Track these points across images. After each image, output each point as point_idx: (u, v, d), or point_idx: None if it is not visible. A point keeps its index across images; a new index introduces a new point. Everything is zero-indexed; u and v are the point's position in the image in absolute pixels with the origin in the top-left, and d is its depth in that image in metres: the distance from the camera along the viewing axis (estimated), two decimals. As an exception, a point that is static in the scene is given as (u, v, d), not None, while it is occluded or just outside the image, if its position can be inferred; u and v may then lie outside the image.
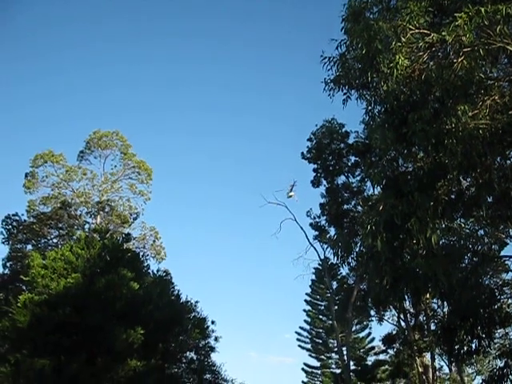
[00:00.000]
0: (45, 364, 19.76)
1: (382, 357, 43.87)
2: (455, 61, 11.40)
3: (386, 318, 38.58)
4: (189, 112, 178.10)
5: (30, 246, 45.17)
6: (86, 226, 43.57)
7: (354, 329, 42.53)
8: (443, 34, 11.28)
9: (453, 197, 13.74)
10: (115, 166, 45.55)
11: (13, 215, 45.79)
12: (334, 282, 41.82)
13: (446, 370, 41.24)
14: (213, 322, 26.59)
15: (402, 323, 36.62)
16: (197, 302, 26.83)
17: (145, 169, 44.82)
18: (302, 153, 32.04)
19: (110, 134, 44.45)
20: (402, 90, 12.44)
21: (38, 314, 21.40)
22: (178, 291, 26.82)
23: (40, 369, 19.73)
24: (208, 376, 25.41)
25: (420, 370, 34.45)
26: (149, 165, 45.44)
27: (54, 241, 44.45)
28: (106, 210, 43.61)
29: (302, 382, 47.60)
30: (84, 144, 45.50)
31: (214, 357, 26.44)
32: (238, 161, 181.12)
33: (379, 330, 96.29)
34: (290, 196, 32.63)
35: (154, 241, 44.65)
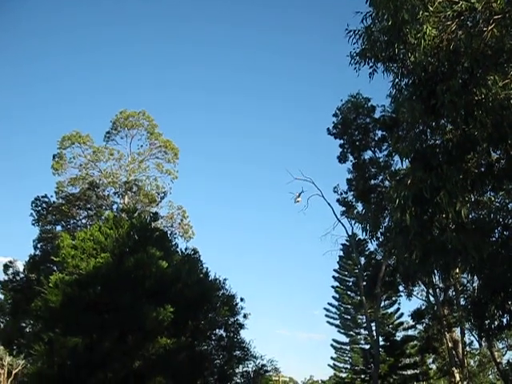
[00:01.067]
0: (77, 342, 20.04)
1: (410, 332, 43.93)
2: (485, 29, 11.11)
3: (414, 293, 38.48)
4: (215, 90, 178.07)
5: (59, 227, 45.66)
6: (114, 206, 43.88)
7: (382, 304, 42.40)
8: (472, 1, 11.00)
9: (482, 170, 13.46)
10: (142, 146, 45.69)
11: (42, 197, 46.27)
12: (362, 258, 41.75)
13: (476, 345, 41.01)
14: (242, 300, 26.70)
15: (432, 298, 36.50)
16: (225, 279, 26.97)
17: (171, 148, 44.87)
18: (328, 128, 31.77)
19: (136, 114, 44.50)
20: (429, 61, 12.17)
21: (70, 293, 21.66)
22: (207, 269, 26.97)
23: (73, 347, 20.02)
24: (237, 353, 25.57)
25: (450, 345, 34.34)
26: (175, 144, 45.53)
27: (83, 221, 44.86)
28: (134, 189, 43.83)
29: (331, 357, 47.78)
30: (110, 124, 45.65)
31: (243, 334, 26.61)
32: (264, 138, 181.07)
33: (408, 305, 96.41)
34: (298, 201, 32.82)
35: (182, 219, 44.84)
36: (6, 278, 48.65)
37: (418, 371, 41.47)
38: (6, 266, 48.73)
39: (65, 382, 20.06)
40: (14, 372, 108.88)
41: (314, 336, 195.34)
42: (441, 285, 35.22)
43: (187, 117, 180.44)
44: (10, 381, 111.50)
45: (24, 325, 46.25)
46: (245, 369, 26.02)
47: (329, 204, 33.31)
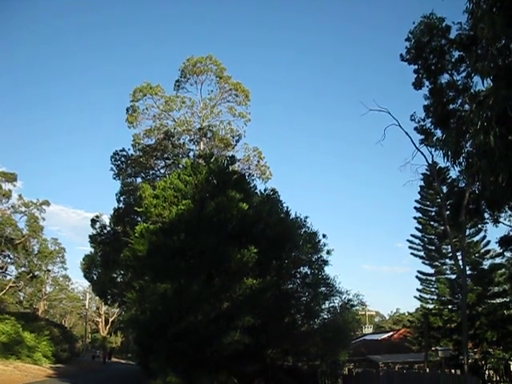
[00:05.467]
0: (166, 288, 20.55)
1: (498, 260, 42.95)
2: None
3: (501, 219, 37.32)
4: (280, 26, 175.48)
5: (139, 179, 46.77)
6: (191, 154, 44.38)
7: (467, 233, 41.48)
8: None
9: None
10: (212, 91, 45.70)
11: (120, 151, 47.36)
12: (444, 187, 40.65)
13: None
14: (324, 236, 26.59)
15: (520, 223, 35.38)
16: (306, 217, 26.88)
17: (242, 90, 44.66)
18: (401, 54, 30.45)
19: (203, 60, 44.35)
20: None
21: (155, 241, 22.16)
22: (287, 208, 26.93)
23: (162, 293, 20.56)
24: (323, 289, 25.66)
25: (539, 271, 33.45)
26: (245, 86, 45.28)
27: (162, 171, 45.67)
28: (208, 135, 44.07)
29: (417, 289, 47.43)
30: (179, 73, 45.78)
31: (327, 270, 26.61)
32: (337, 70, 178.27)
33: (494, 232, 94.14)
34: None
35: (259, 161, 44.90)
36: (94, 232, 50.61)
37: (507, 299, 40.71)
38: (93, 221, 50.60)
39: (158, 325, 20.72)
40: (110, 320, 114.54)
41: (398, 269, 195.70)
42: (530, 208, 34.05)
43: (254, 56, 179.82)
44: (107, 328, 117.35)
45: (115, 275, 48.20)
46: (331, 304, 26.14)
47: (406, 133, 32.40)
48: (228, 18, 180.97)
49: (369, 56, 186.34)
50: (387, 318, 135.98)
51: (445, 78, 30.24)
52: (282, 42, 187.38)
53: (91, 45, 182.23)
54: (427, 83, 30.56)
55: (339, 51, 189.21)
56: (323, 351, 24.42)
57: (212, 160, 25.84)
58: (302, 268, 26.22)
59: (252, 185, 27.76)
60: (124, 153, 47.26)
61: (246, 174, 30.36)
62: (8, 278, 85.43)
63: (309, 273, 26.22)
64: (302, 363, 25.95)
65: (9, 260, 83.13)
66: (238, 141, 45.30)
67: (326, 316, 26.06)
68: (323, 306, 25.75)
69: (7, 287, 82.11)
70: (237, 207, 21.97)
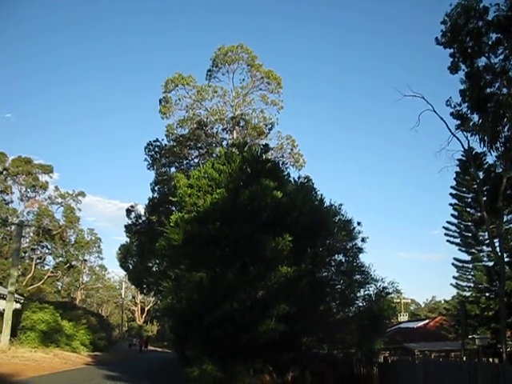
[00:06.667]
0: (202, 276, 20.64)
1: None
2: None
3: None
4: (314, 11, 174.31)
5: (173, 169, 47.26)
6: (224, 142, 44.58)
7: (505, 219, 40.85)
8: None
9: None
10: (244, 80, 45.86)
11: (154, 141, 47.87)
12: (481, 172, 40.02)
13: None
14: (359, 224, 26.38)
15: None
16: (341, 205, 26.70)
17: (274, 78, 44.63)
18: (436, 38, 29.92)
19: (234, 48, 44.44)
20: None
21: (190, 230, 22.25)
22: (321, 196, 26.77)
23: (198, 281, 20.66)
24: (358, 277, 25.50)
25: None
26: (277, 73, 45.20)
27: (195, 160, 46.03)
28: (241, 124, 44.18)
29: (454, 277, 47.00)
30: (210, 62, 45.94)
31: (363, 258, 26.51)
32: (368, 55, 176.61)
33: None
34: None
35: (292, 149, 44.93)
36: (130, 221, 51.33)
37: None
38: (129, 211, 51.34)
39: (193, 314, 20.85)
40: (146, 308, 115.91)
41: (434, 256, 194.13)
42: None
43: (286, 44, 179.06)
44: (143, 316, 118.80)
45: (150, 264, 48.82)
46: (366, 292, 25.95)
47: (442, 118, 31.87)
48: (259, 6, 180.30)
49: (403, 41, 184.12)
50: (423, 305, 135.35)
51: (482, 61, 29.61)
52: (312, 27, 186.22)
53: (124, 36, 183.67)
54: (463, 67, 30.00)
55: (372, 37, 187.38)
56: (358, 339, 24.31)
57: (245, 149, 25.82)
58: (336, 256, 26.10)
59: (286, 173, 27.73)
60: (158, 143, 47.74)
61: (280, 162, 30.31)
62: (46, 268, 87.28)
63: (343, 260, 26.08)
64: (337, 351, 25.87)
65: (47, 250, 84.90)
66: (270, 129, 45.37)
67: (361, 304, 25.91)
68: (358, 294, 25.60)
69: (46, 277, 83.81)
70: (271, 195, 21.93)
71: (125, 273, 70.72)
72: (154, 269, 48.40)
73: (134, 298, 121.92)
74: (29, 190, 78.58)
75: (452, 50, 29.85)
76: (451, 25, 28.88)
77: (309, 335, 23.68)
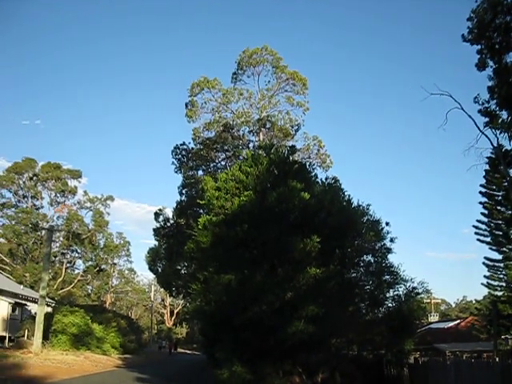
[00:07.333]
0: (230, 279, 20.71)
1: None
2: None
3: None
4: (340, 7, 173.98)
5: (200, 172, 47.53)
6: (250, 145, 44.71)
7: (537, 214, 40.48)
8: None
9: None
10: (269, 81, 45.98)
11: (181, 145, 48.22)
12: (511, 170, 39.56)
13: None
14: (387, 224, 26.24)
15: None
16: (369, 205, 26.59)
17: (299, 79, 44.63)
18: (463, 35, 29.60)
19: (259, 51, 44.58)
20: None
21: (218, 233, 22.37)
22: (349, 196, 26.71)
23: (226, 283, 20.73)
24: (386, 277, 25.40)
25: None
26: (302, 74, 45.20)
27: (222, 163, 46.20)
28: (267, 126, 44.27)
29: (485, 276, 46.42)
30: (235, 65, 46.12)
31: (391, 258, 26.31)
32: (395, 54, 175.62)
33: None
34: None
35: (319, 150, 44.87)
36: (158, 225, 51.66)
37: None
38: (157, 214, 51.69)
39: (222, 316, 20.93)
40: (175, 311, 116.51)
41: (464, 256, 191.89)
42: None
43: (310, 43, 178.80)
44: (172, 319, 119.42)
45: (179, 267, 49.06)
46: (395, 293, 25.81)
47: (469, 116, 31.47)
48: (282, 7, 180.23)
49: (429, 39, 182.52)
50: (453, 305, 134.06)
51: (510, 57, 29.17)
52: (337, 24, 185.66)
53: (149, 41, 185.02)
54: (491, 63, 29.52)
55: (398, 36, 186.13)
56: (388, 340, 24.20)
57: (272, 150, 25.86)
58: (365, 256, 26.01)
59: (313, 174, 27.67)
60: (184, 147, 48.07)
61: (307, 164, 30.22)
62: (76, 271, 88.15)
63: (372, 261, 25.98)
64: (366, 352, 25.79)
65: (76, 254, 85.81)
66: (297, 130, 45.40)
67: (390, 304, 25.79)
68: (387, 295, 25.49)
69: (76, 281, 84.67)
70: (298, 197, 21.94)
71: (154, 276, 71.17)
72: (182, 271, 48.66)
73: (163, 300, 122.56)
74: (58, 195, 79.57)
75: (479, 47, 29.42)
76: (478, 21, 28.46)
77: (338, 336, 23.64)
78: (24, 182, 76.78)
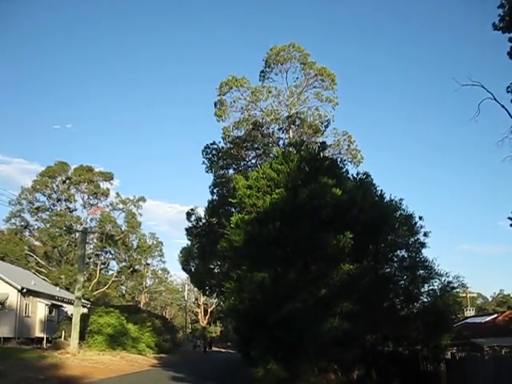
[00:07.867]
0: (263, 277, 20.69)
1: None
2: None
3: None
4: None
5: (231, 171, 47.69)
6: (280, 142, 44.71)
7: None
8: None
9: None
10: (297, 78, 45.96)
11: (211, 144, 48.45)
12: (546, 161, 38.89)
13: None
14: (420, 218, 25.90)
15: None
16: (401, 199, 26.29)
17: (327, 75, 44.48)
18: (494, 23, 29.14)
19: (286, 48, 44.58)
20: None
21: (251, 231, 22.35)
22: (381, 191, 26.44)
23: (260, 281, 20.72)
24: (421, 272, 25.07)
25: None
26: (330, 70, 45.03)
27: (253, 161, 46.29)
28: (297, 122, 44.22)
29: (522, 269, 45.77)
30: (263, 63, 46.14)
31: (426, 252, 25.97)
32: (424, 46, 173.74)
33: None
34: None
35: (349, 145, 44.66)
36: (190, 224, 51.96)
37: None
38: (189, 214, 51.97)
39: (256, 314, 20.91)
40: (209, 310, 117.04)
41: (500, 249, 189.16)
42: None
43: (338, 39, 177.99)
44: (206, 318, 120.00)
45: (212, 266, 49.25)
46: (430, 287, 25.45)
47: (502, 106, 30.83)
48: (310, 7, 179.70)
49: (459, 29, 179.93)
50: (490, 299, 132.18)
51: (543, 45, 28.60)
52: (365, 18, 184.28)
53: (177, 42, 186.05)
54: (524, 51, 29.03)
55: (426, 29, 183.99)
56: (424, 335, 23.90)
57: (302, 147, 25.74)
58: (398, 251, 25.71)
59: (344, 170, 27.47)
60: (215, 146, 48.26)
61: (338, 160, 30.06)
62: (110, 272, 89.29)
63: (406, 256, 25.68)
64: (402, 348, 25.50)
65: (110, 256, 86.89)
66: (326, 126, 45.26)
67: (425, 299, 25.46)
68: (422, 290, 25.17)
69: (110, 282, 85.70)
70: (330, 193, 21.81)
71: (187, 275, 71.60)
72: (215, 270, 48.80)
73: (196, 299, 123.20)
74: (91, 197, 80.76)
75: (511, 35, 28.89)
76: (509, 7, 27.93)
77: (373, 333, 23.43)
78: (57, 186, 78.07)
